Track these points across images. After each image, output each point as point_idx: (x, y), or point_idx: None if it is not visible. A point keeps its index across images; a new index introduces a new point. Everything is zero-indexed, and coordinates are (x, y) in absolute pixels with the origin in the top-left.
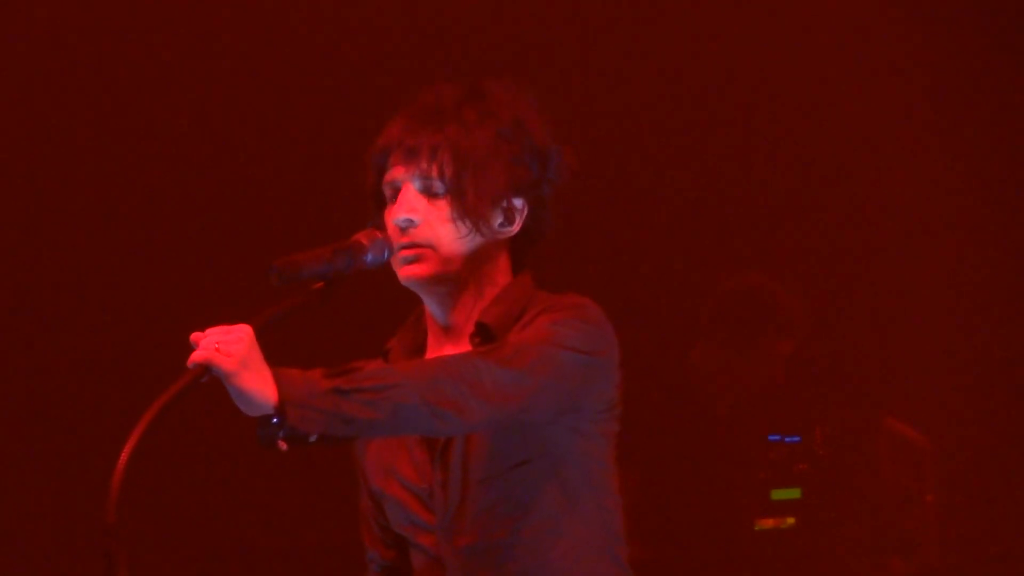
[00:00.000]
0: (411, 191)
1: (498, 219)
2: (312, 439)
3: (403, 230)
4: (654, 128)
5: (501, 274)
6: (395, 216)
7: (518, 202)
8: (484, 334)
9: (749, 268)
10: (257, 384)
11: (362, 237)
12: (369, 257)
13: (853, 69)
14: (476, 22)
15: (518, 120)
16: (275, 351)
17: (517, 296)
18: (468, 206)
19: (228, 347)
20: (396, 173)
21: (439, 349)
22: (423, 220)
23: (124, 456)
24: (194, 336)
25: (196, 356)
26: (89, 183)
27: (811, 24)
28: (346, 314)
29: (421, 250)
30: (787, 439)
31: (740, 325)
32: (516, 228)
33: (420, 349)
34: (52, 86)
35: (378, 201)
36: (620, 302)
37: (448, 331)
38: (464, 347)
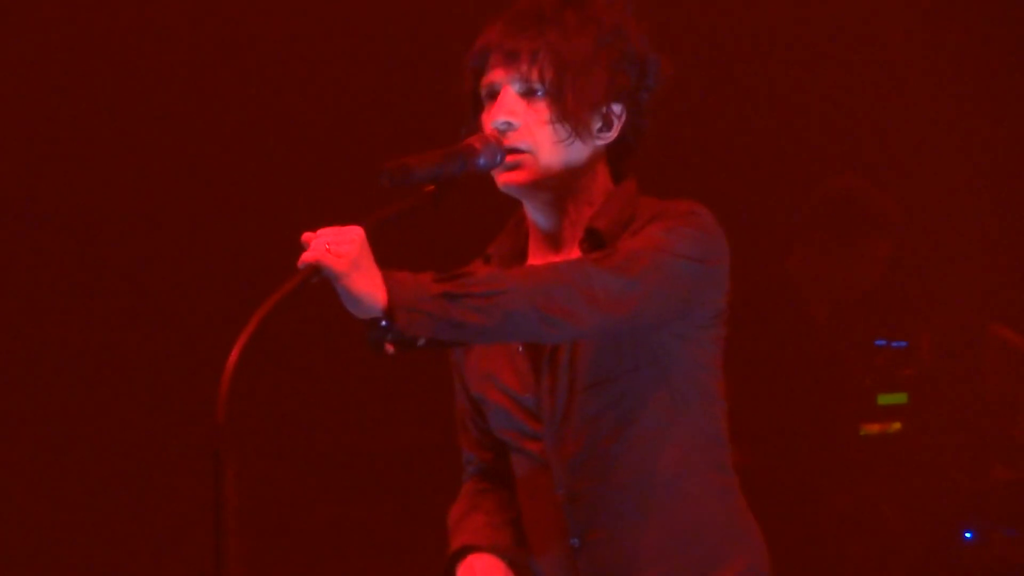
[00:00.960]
0: (510, 93)
1: (597, 124)
2: (420, 343)
3: (502, 133)
4: (744, 32)
5: (602, 180)
6: (494, 118)
7: (617, 108)
8: (594, 240)
9: (844, 169)
10: (367, 286)
11: (475, 141)
12: (481, 161)
13: None
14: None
15: (618, 27)
16: (385, 254)
17: (625, 202)
18: (568, 109)
19: (339, 248)
20: (495, 75)
21: (541, 255)
22: (522, 123)
23: (234, 355)
24: (305, 236)
25: (307, 256)
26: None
27: None
28: (452, 218)
29: (520, 156)
30: (893, 344)
31: (836, 227)
32: (614, 134)
33: (521, 255)
34: (75, 87)
35: (475, 104)
36: (717, 207)
37: (550, 237)
38: (569, 253)
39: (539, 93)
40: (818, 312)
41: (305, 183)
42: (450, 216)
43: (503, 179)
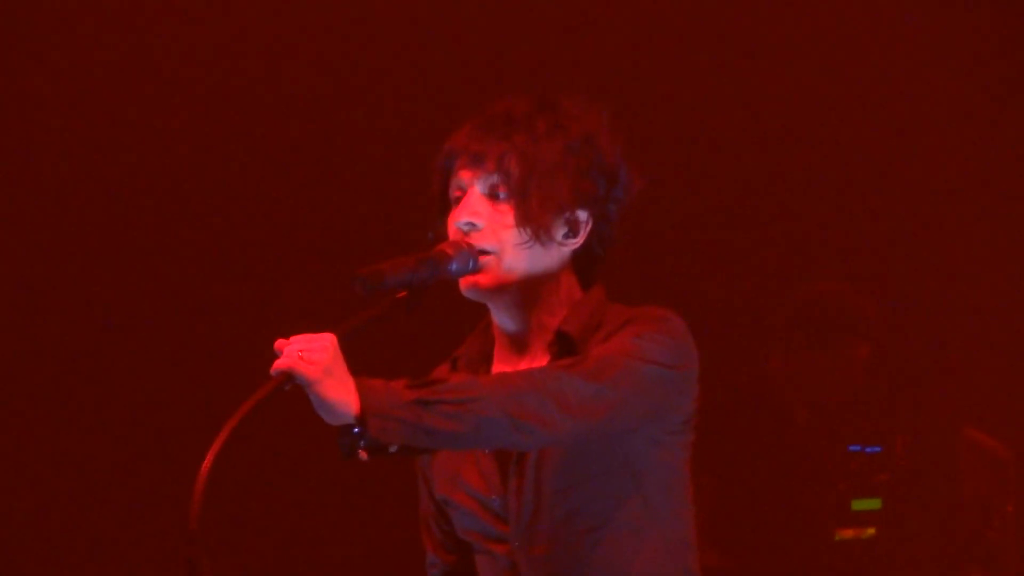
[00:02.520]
0: (475, 194)
1: (562, 229)
2: (393, 450)
3: (465, 233)
4: (719, 134)
5: (567, 287)
6: (458, 218)
7: (583, 215)
8: (564, 344)
9: (824, 273)
10: (340, 393)
11: (447, 247)
12: (454, 267)
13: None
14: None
15: (588, 135)
16: (357, 362)
17: (594, 308)
18: (532, 212)
19: (312, 355)
20: (462, 176)
21: (507, 359)
22: (486, 224)
23: (207, 464)
24: (278, 343)
25: (280, 363)
26: (163, 181)
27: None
28: (423, 321)
29: (484, 257)
30: (868, 449)
31: (815, 329)
32: (580, 241)
33: (487, 358)
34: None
35: (442, 206)
36: (694, 309)
37: (516, 341)
38: (535, 357)
39: (503, 195)
40: (796, 416)
41: (278, 292)
42: (422, 320)
43: (466, 282)
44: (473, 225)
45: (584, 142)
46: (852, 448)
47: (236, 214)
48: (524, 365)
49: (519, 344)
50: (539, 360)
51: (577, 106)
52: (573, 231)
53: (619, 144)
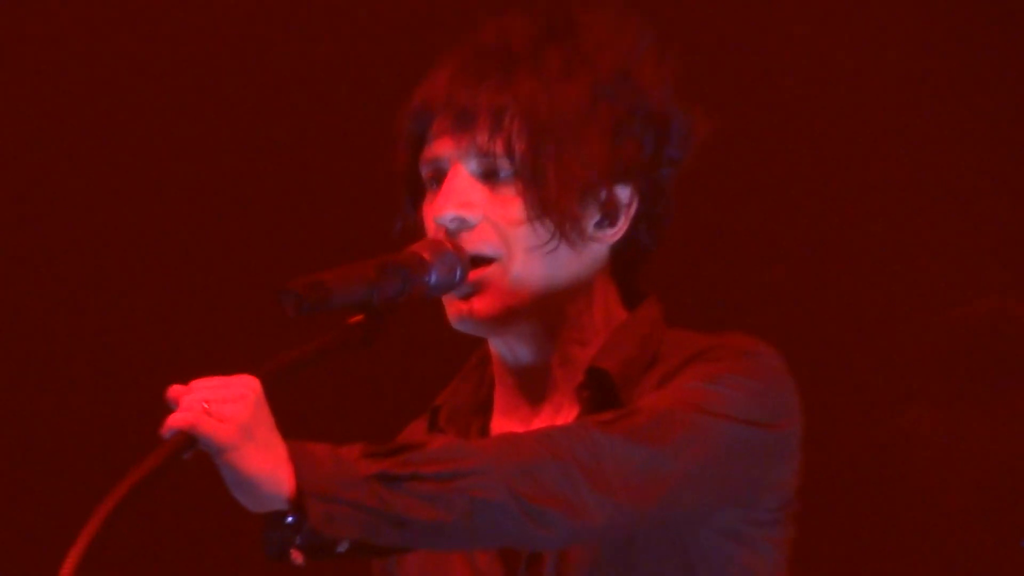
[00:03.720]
0: (463, 174)
1: (594, 217)
2: (343, 548)
3: (451, 233)
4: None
5: (604, 301)
6: (439, 212)
7: (623, 192)
8: (601, 387)
9: (988, 284)
10: (265, 464)
11: (423, 248)
12: (433, 278)
13: None
14: None
15: (625, 69)
16: (290, 416)
17: (645, 335)
18: (549, 197)
19: (223, 408)
20: (441, 147)
21: (515, 412)
22: (482, 218)
23: (74, 557)
24: (173, 391)
25: (176, 420)
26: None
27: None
28: (385, 356)
29: (481, 270)
30: None
31: (975, 372)
32: (621, 230)
33: (483, 409)
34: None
35: (413, 189)
36: (792, 339)
37: (528, 383)
38: (558, 410)
39: (504, 174)
40: (948, 497)
41: (176, 312)
42: (385, 353)
43: (455, 309)
44: (463, 221)
45: (620, 80)
46: None
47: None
48: (541, 421)
49: (533, 388)
50: (563, 413)
51: (605, 25)
52: (611, 217)
53: (669, 75)
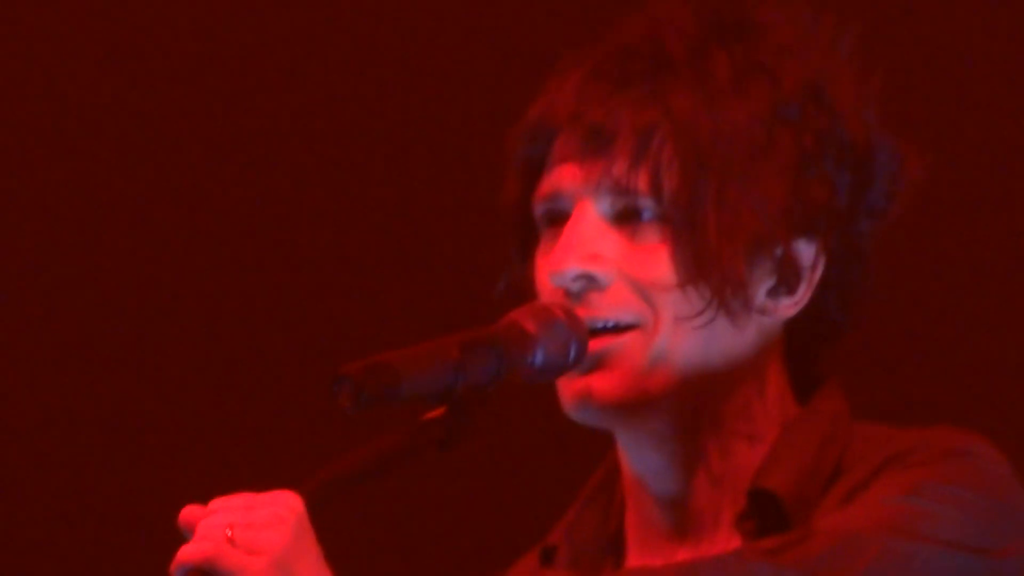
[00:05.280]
0: (592, 216)
1: (766, 281)
2: None
3: (575, 296)
4: None
5: (776, 393)
6: (558, 267)
7: (807, 249)
8: (766, 513)
9: None
10: None
11: (524, 318)
12: (539, 358)
13: None
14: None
15: (817, 86)
16: (343, 542)
17: (824, 437)
18: (708, 253)
19: (253, 536)
20: (564, 178)
21: (657, 546)
22: (615, 276)
23: None
24: (188, 514)
25: (191, 553)
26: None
27: None
28: (477, 471)
29: (612, 339)
30: None
31: None
32: (802, 301)
33: (614, 545)
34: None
35: (523, 234)
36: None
37: (675, 509)
38: (715, 543)
39: (649, 215)
40: None
41: (195, 407)
42: (472, 464)
43: (575, 388)
44: (591, 280)
45: (809, 99)
46: None
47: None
48: (688, 556)
49: (680, 514)
50: (722, 543)
51: (792, 26)
52: (789, 282)
53: (875, 96)
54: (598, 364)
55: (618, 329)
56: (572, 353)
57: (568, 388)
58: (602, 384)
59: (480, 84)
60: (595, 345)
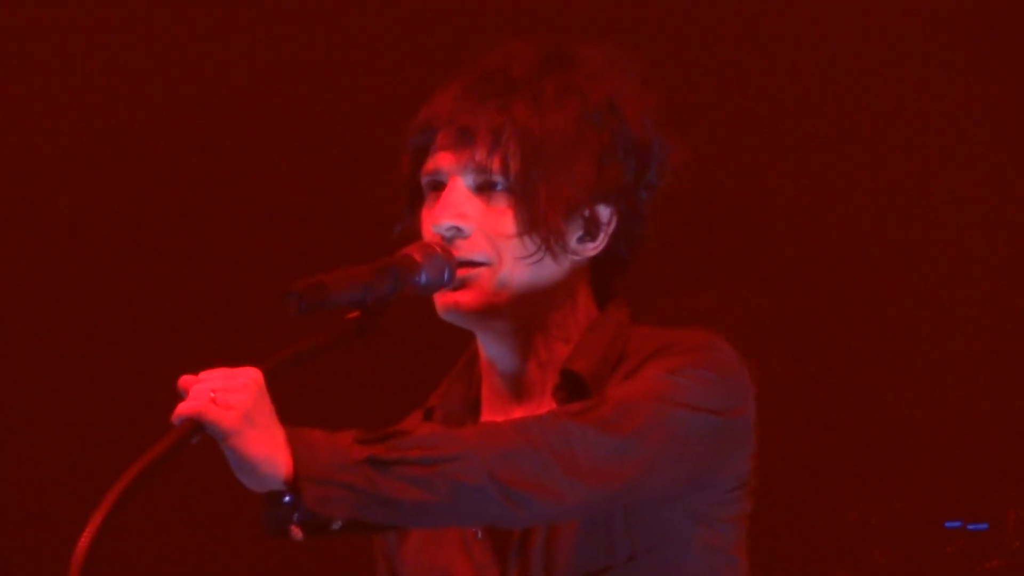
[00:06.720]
0: (460, 187)
1: (576, 232)
2: (336, 526)
3: (447, 240)
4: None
5: (583, 307)
6: (437, 220)
7: (604, 211)
8: (572, 386)
9: None
10: (265, 449)
11: (414, 251)
12: (423, 278)
13: None
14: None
15: (612, 101)
16: (291, 405)
17: (612, 334)
18: (538, 213)
19: (228, 397)
20: (441, 161)
21: (501, 407)
22: (475, 228)
23: (86, 537)
24: (184, 380)
25: (185, 408)
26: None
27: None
28: (381, 353)
29: (472, 270)
30: (970, 526)
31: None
32: (600, 245)
33: (473, 407)
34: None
35: (414, 197)
36: (745, 340)
37: (513, 383)
38: (538, 405)
39: (499, 187)
40: None
41: (185, 311)
42: (379, 351)
43: (446, 300)
44: (458, 230)
45: (606, 109)
46: (950, 524)
47: (127, 205)
48: (522, 414)
49: (517, 386)
50: (544, 408)
51: (599, 59)
52: (591, 233)
53: (650, 105)
54: (462, 285)
55: (475, 264)
56: (445, 276)
57: (442, 300)
58: (465, 299)
59: (385, 94)
60: (460, 272)
